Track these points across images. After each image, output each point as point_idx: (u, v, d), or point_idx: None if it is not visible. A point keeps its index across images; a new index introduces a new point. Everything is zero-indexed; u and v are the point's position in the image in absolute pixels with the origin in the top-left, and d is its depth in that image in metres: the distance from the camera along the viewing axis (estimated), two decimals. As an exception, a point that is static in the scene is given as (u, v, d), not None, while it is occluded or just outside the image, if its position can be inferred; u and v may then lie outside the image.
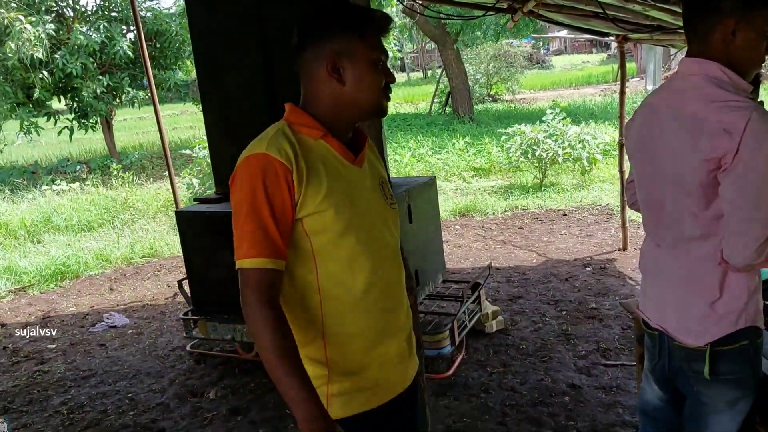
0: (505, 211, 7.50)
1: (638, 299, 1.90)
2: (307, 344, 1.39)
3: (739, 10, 1.47)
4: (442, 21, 13.02)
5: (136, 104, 13.31)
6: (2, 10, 10.29)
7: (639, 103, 1.76)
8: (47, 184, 10.69)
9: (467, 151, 10.93)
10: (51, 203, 9.20)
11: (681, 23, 1.63)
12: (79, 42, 11.43)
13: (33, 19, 10.78)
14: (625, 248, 5.58)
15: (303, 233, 1.33)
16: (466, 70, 16.24)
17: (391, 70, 1.43)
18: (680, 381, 1.70)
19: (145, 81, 11.61)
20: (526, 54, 21.35)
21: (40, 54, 10.66)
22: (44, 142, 16.13)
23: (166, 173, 5.82)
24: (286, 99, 1.45)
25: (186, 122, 20.81)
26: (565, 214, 7.10)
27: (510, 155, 9.17)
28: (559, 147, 8.36)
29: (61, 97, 12.67)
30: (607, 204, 7.29)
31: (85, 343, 4.71)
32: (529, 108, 17.05)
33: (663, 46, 6.05)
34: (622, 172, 5.55)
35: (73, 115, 12.71)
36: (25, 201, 9.88)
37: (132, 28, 12.49)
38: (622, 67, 5.47)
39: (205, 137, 4.82)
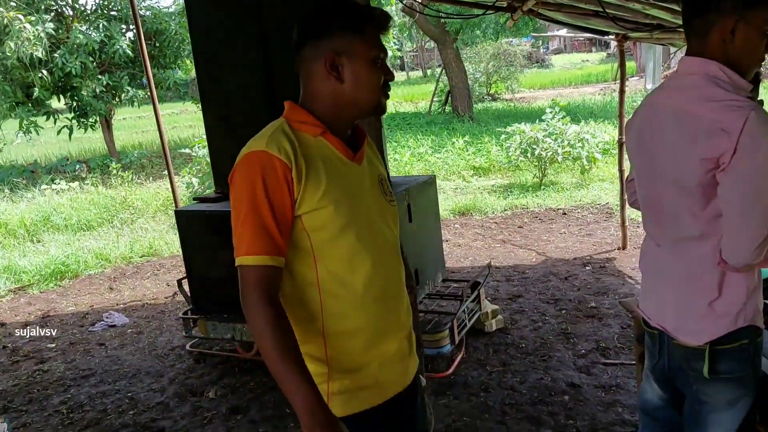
0: (505, 210, 7.50)
1: (638, 298, 1.90)
2: (307, 342, 1.39)
3: (738, 9, 1.46)
4: (442, 20, 13.02)
5: (135, 103, 13.30)
6: (1, 9, 10.28)
7: (638, 102, 1.77)
8: (47, 184, 10.70)
9: (467, 150, 10.93)
10: (50, 202, 9.19)
11: (681, 22, 1.63)
12: (78, 41, 11.43)
13: (32, 18, 10.78)
14: (624, 247, 5.58)
15: (302, 230, 1.33)
16: (466, 69, 16.24)
17: (391, 68, 1.43)
18: (680, 380, 1.70)
19: (144, 80, 11.61)
20: (525, 53, 21.38)
21: (39, 53, 10.66)
22: (43, 142, 16.14)
23: (166, 172, 5.83)
24: (286, 98, 1.45)
25: (185, 121, 20.82)
26: (565, 213, 7.10)
27: (509, 154, 9.17)
28: (558, 146, 8.36)
29: (61, 97, 12.67)
30: (607, 203, 7.29)
31: (85, 342, 4.71)
32: (529, 107, 17.05)
33: (662, 44, 6.05)
34: (621, 171, 5.55)
35: (72, 114, 12.71)
36: (25, 200, 9.88)
37: (131, 27, 12.49)
38: (622, 65, 5.47)
39: (204, 136, 4.82)
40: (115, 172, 10.81)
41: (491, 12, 4.32)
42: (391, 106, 19.16)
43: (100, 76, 12.20)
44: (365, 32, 1.35)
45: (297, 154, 1.30)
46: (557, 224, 6.72)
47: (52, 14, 12.01)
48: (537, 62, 30.74)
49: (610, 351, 3.70)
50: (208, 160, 4.95)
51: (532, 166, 8.82)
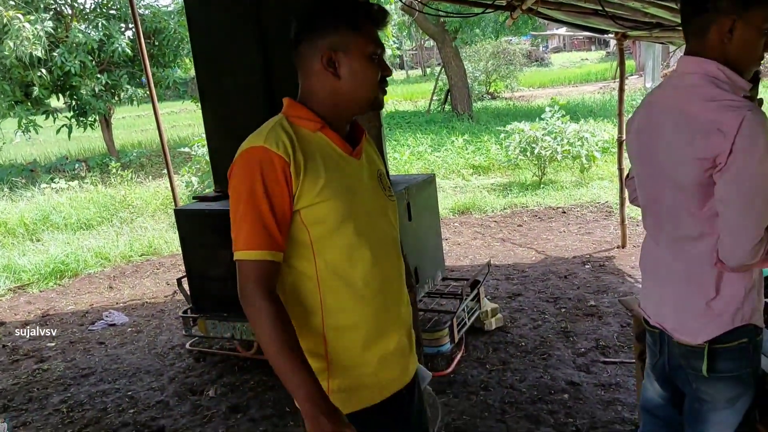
0: (504, 208, 7.51)
1: (638, 297, 1.90)
2: (306, 337, 1.39)
3: (737, 8, 1.46)
4: (441, 18, 13.01)
5: (134, 102, 13.31)
6: (1, 8, 10.27)
7: (638, 101, 1.77)
8: (46, 183, 10.70)
9: (466, 149, 10.94)
10: (50, 201, 9.19)
11: (680, 20, 1.63)
12: (77, 40, 11.42)
13: (31, 17, 10.77)
14: (624, 246, 5.59)
15: (301, 224, 1.34)
16: (465, 67, 16.23)
17: (388, 64, 1.43)
18: (680, 378, 1.71)
19: (143, 79, 11.59)
20: (525, 51, 21.41)
21: (38, 52, 10.65)
22: (43, 141, 16.15)
23: (165, 171, 5.82)
24: (285, 96, 1.45)
25: (185, 120, 20.80)
26: (564, 212, 7.11)
27: (509, 153, 9.17)
28: (558, 144, 8.36)
29: (60, 95, 12.67)
30: (606, 201, 7.30)
31: (85, 341, 4.72)
32: (528, 105, 17.05)
33: (662, 43, 6.05)
34: (621, 169, 5.55)
35: (71, 113, 12.70)
36: (24, 199, 9.87)
37: (130, 25, 12.48)
38: (621, 64, 5.47)
39: (203, 135, 4.82)
40: (114, 171, 10.80)
41: (491, 11, 4.31)
42: (391, 104, 19.16)
43: (99, 75, 12.20)
44: (361, 28, 1.35)
45: (295, 148, 1.31)
46: (557, 223, 6.72)
47: (51, 13, 12.00)
48: (536, 61, 30.77)
49: (609, 349, 3.71)
50: (208, 158, 4.95)
51: (532, 165, 8.82)
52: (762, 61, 1.58)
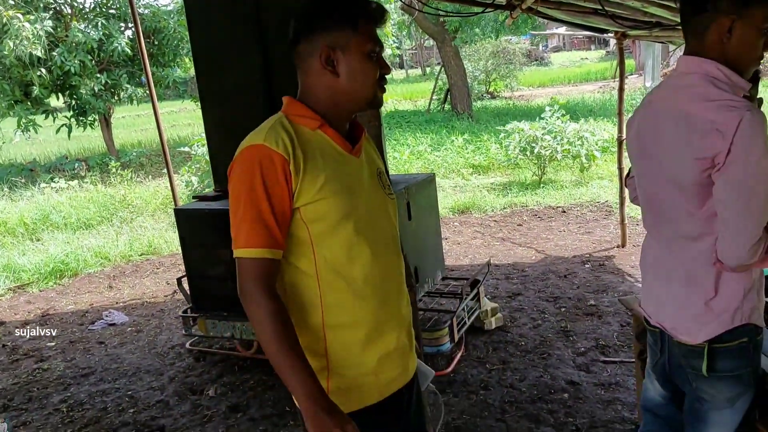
0: (504, 208, 7.51)
1: (639, 296, 1.91)
2: (306, 335, 1.39)
3: (736, 7, 1.46)
4: (441, 18, 13.01)
5: (134, 101, 13.32)
6: (0, 8, 10.27)
7: (638, 100, 1.77)
8: (46, 182, 10.70)
9: (466, 148, 10.94)
10: (49, 201, 9.19)
11: (679, 20, 1.63)
12: (77, 39, 11.42)
13: (31, 16, 10.77)
14: (623, 245, 5.59)
15: (301, 222, 1.34)
16: (465, 67, 16.23)
17: (387, 62, 1.43)
18: (680, 378, 1.71)
19: (143, 78, 11.61)
20: (524, 51, 21.41)
21: (38, 51, 10.65)
22: (42, 140, 16.15)
23: (165, 170, 5.82)
24: (285, 96, 1.45)
25: (184, 119, 20.81)
26: (564, 211, 7.11)
27: (509, 152, 9.17)
28: (557, 144, 8.36)
29: (60, 95, 12.67)
30: (606, 201, 7.30)
31: (85, 340, 4.72)
32: (528, 105, 17.05)
33: (661, 42, 6.04)
34: (620, 169, 5.55)
35: (71, 113, 12.71)
36: (24, 199, 9.87)
37: (130, 25, 12.48)
38: (621, 63, 5.46)
39: (203, 134, 4.82)
40: (114, 170, 10.81)
41: (490, 10, 4.31)
42: (390, 104, 19.16)
43: (98, 75, 12.20)
44: (359, 26, 1.35)
45: (295, 146, 1.31)
46: (556, 222, 6.72)
47: (51, 12, 12.00)
48: (536, 60, 30.78)
49: (609, 349, 3.71)
50: (208, 158, 4.95)
51: (532, 164, 8.82)
52: (762, 61, 1.58)
